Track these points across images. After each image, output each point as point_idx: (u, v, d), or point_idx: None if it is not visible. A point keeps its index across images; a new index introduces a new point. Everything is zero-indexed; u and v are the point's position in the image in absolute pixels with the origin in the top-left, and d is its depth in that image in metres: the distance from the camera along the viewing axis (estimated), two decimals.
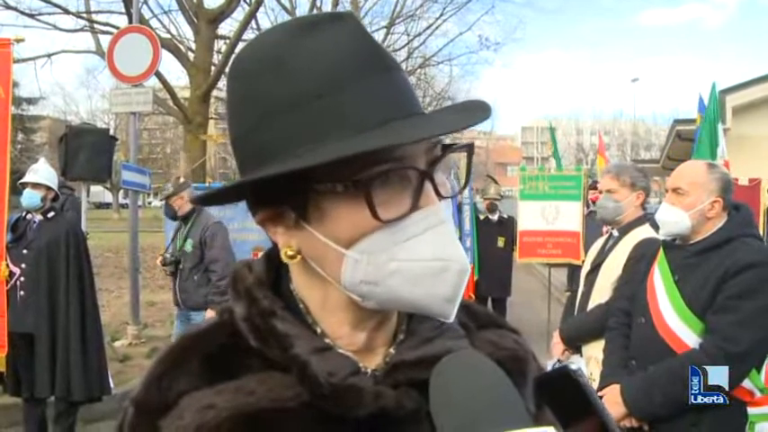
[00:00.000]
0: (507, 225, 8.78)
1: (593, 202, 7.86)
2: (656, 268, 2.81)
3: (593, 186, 8.39)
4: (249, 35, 15.91)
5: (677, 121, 12.66)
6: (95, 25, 14.64)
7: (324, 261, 0.77)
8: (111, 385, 5.38)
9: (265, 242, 0.83)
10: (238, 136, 0.79)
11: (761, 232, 3.43)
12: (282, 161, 0.73)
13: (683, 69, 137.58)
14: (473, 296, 7.86)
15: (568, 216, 8.37)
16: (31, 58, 15.22)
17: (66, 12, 14.42)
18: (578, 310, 3.82)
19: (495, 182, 9.13)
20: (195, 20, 13.41)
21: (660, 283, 2.75)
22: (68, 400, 4.89)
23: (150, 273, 14.40)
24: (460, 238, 7.61)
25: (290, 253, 0.79)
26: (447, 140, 0.79)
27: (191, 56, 13.73)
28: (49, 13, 14.39)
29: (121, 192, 30.48)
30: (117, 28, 11.73)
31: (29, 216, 5.00)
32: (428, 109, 0.83)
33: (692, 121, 11.39)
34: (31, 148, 35.35)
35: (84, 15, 14.59)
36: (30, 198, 4.93)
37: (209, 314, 5.74)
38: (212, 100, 16.16)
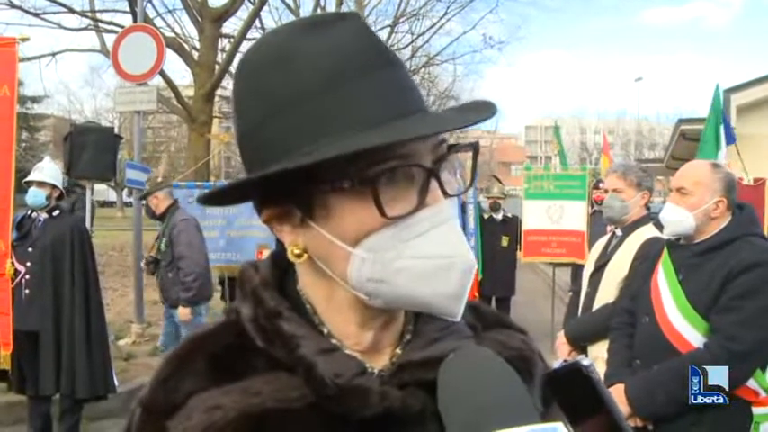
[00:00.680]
0: (511, 224, 8.77)
1: (597, 202, 7.85)
2: (659, 268, 2.81)
3: (596, 186, 8.38)
4: (253, 34, 15.91)
5: (681, 121, 12.60)
6: (100, 24, 14.66)
7: (330, 259, 0.77)
8: (116, 383, 5.40)
9: (270, 240, 0.84)
10: (244, 133, 0.80)
11: (765, 232, 3.41)
12: (288, 158, 0.73)
13: (687, 68, 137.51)
14: (477, 295, 7.85)
15: (573, 215, 8.36)
16: (36, 57, 15.26)
17: (71, 11, 14.44)
18: (582, 310, 3.81)
19: (499, 181, 9.13)
20: (199, 19, 13.42)
21: (664, 282, 2.75)
22: (73, 397, 4.91)
23: None
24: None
25: (296, 252, 0.79)
26: (452, 140, 0.80)
27: (195, 55, 13.75)
28: (54, 12, 14.43)
29: (125, 190, 30.54)
30: (121, 27, 11.73)
31: (34, 214, 5.02)
32: (432, 108, 0.83)
33: (696, 121, 11.36)
34: (35, 146, 35.42)
35: (89, 14, 14.62)
36: (35, 196, 4.95)
37: (181, 311, 5.84)
38: (216, 99, 16.17)
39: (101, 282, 5.49)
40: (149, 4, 13.33)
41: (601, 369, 3.25)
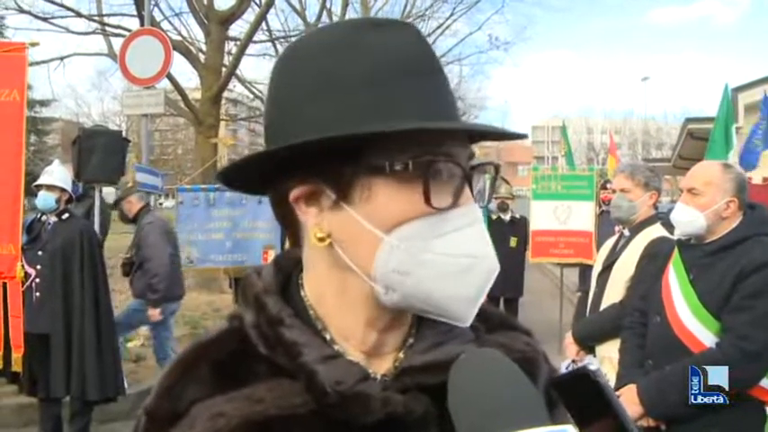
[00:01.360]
0: (519, 225, 8.76)
1: (605, 202, 7.83)
2: (671, 267, 2.81)
3: (604, 186, 8.36)
4: (260, 37, 15.96)
5: (689, 120, 12.58)
6: (107, 28, 14.69)
7: (356, 246, 0.77)
8: (126, 385, 5.42)
9: (276, 241, 0.84)
10: (283, 110, 0.79)
11: None
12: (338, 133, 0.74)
13: (694, 67, 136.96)
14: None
15: (581, 216, 8.34)
16: (45, 61, 15.32)
17: (79, 15, 14.48)
18: (591, 311, 3.81)
19: (507, 182, 9.12)
20: (206, 21, 13.43)
21: (675, 282, 2.74)
22: (83, 399, 4.94)
23: None
24: None
25: (319, 235, 0.78)
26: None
27: (202, 57, 13.75)
28: (62, 17, 14.47)
29: None
30: (129, 30, 11.76)
31: (44, 218, 5.05)
32: None
33: (703, 120, 11.33)
34: (43, 149, 35.51)
35: (96, 18, 14.64)
36: (44, 200, 4.98)
37: (151, 312, 6.01)
38: (223, 101, 16.20)
39: (110, 284, 5.52)
40: (156, 8, 13.37)
41: (609, 370, 3.25)
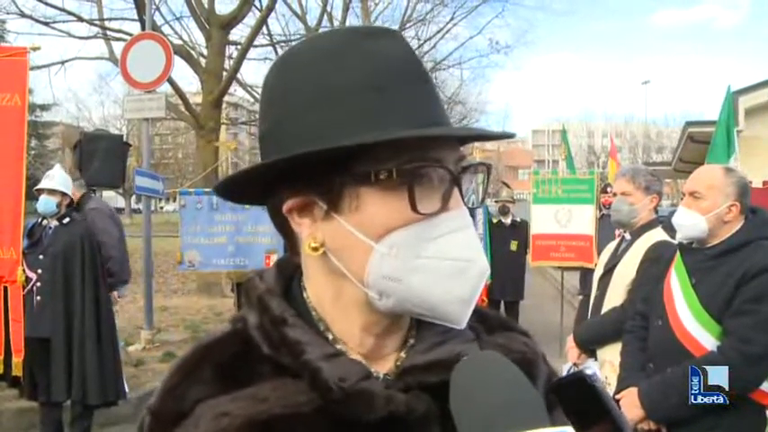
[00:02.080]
0: (520, 228, 8.77)
1: (606, 206, 7.83)
2: (672, 271, 2.81)
3: (604, 190, 8.36)
4: (260, 41, 15.99)
5: (689, 123, 12.57)
6: (108, 32, 14.71)
7: (348, 254, 0.78)
8: (126, 389, 5.42)
9: (278, 246, 0.84)
10: (276, 122, 0.80)
11: None
12: (331, 144, 0.74)
13: (695, 71, 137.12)
14: (486, 300, 7.85)
15: (581, 219, 8.35)
16: (46, 66, 15.36)
17: (80, 19, 14.49)
18: (592, 314, 3.81)
19: (508, 186, 9.12)
20: (207, 26, 13.44)
21: (677, 285, 2.74)
22: (84, 403, 4.94)
23: (163, 278, 14.49)
24: None
25: (313, 245, 0.79)
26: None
27: (202, 61, 13.76)
28: (64, 21, 14.50)
29: (133, 197, 30.66)
30: (130, 35, 11.78)
31: (44, 222, 5.06)
32: None
33: (704, 123, 11.33)
34: (44, 153, 35.59)
35: (98, 22, 14.67)
36: (45, 204, 4.99)
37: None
38: (224, 105, 16.21)
39: None
40: (157, 12, 13.38)
41: (609, 373, 3.25)
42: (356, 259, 0.78)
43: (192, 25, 15.58)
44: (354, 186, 0.76)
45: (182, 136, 37.50)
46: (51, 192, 5.01)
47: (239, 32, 15.27)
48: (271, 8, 13.54)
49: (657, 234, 3.53)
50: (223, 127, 17.54)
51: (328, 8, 18.48)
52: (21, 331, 4.64)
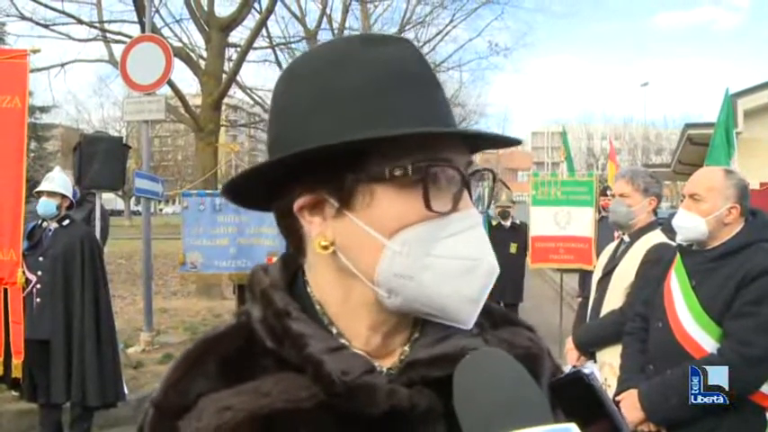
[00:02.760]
0: (520, 231, 8.79)
1: (605, 208, 7.84)
2: (672, 273, 2.81)
3: (604, 192, 8.37)
4: (260, 43, 16.00)
5: (688, 125, 12.57)
6: (108, 35, 14.72)
7: (359, 252, 0.79)
8: (126, 391, 5.42)
9: (280, 248, 0.85)
10: (288, 125, 0.81)
11: None
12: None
13: (694, 73, 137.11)
14: None
15: (581, 221, 8.34)
16: (46, 68, 15.38)
17: (80, 22, 14.50)
18: (591, 316, 3.82)
19: (507, 188, 9.13)
20: (207, 28, 13.44)
21: (677, 288, 2.75)
22: (84, 405, 4.94)
23: (162, 279, 14.47)
24: None
25: (323, 243, 0.80)
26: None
27: (202, 64, 13.76)
28: (63, 24, 14.52)
29: (133, 199, 30.64)
30: (129, 37, 11.78)
31: (44, 224, 5.06)
32: None
33: (703, 125, 11.33)
34: (43, 156, 35.57)
35: (97, 25, 14.68)
36: (45, 206, 4.99)
37: None
38: (224, 107, 16.23)
39: (110, 290, 5.53)
40: (157, 15, 13.39)
41: (609, 375, 3.25)
42: (367, 257, 0.78)
43: (191, 28, 15.58)
44: (368, 183, 0.77)
45: (181, 138, 37.58)
46: (51, 194, 5.01)
47: (239, 35, 15.30)
48: (270, 10, 13.55)
49: (656, 236, 3.53)
50: (222, 129, 17.54)
51: (328, 11, 18.50)
52: (21, 333, 4.65)
